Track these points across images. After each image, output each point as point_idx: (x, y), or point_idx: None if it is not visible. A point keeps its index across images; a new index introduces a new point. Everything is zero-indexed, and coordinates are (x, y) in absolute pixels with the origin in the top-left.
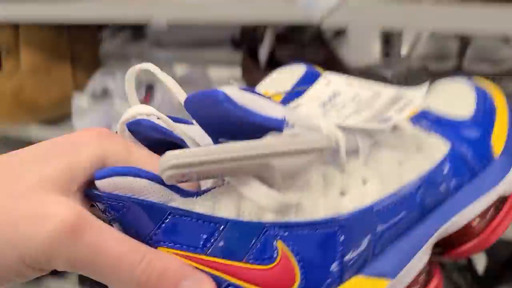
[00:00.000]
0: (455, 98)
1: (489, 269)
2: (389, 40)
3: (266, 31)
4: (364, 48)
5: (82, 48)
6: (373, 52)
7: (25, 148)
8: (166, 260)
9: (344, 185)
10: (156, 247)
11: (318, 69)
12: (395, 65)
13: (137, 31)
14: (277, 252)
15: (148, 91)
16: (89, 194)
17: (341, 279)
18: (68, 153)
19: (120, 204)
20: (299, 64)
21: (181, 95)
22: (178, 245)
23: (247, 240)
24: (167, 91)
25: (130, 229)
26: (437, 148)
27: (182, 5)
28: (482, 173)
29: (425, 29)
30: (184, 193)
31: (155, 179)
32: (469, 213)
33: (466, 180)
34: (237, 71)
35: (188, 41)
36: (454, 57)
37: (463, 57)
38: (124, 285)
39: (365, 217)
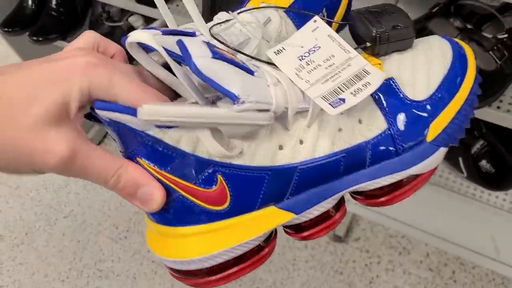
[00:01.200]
0: (426, 70)
1: None
2: None
3: None
4: None
5: None
6: None
7: (18, 73)
8: (130, 172)
9: (284, 141)
10: (136, 157)
11: None
12: None
13: None
14: (217, 182)
15: None
16: (91, 117)
17: (258, 207)
18: (59, 85)
19: (115, 126)
20: None
21: None
22: (149, 161)
23: (198, 169)
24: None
25: (122, 140)
26: (376, 125)
27: None
28: (407, 153)
29: None
30: (158, 126)
31: (135, 114)
32: (381, 182)
33: (390, 155)
34: None
35: None
36: None
37: None
38: (106, 188)
39: (289, 172)
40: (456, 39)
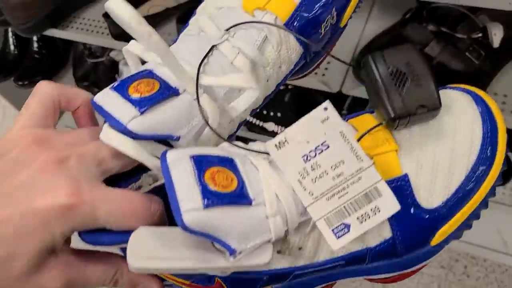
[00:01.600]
0: (447, 169)
1: (504, 41)
2: None
3: None
4: None
5: None
6: None
7: None
8: (126, 274)
9: (283, 247)
10: None
11: None
12: None
13: None
14: (214, 281)
15: None
16: None
17: None
18: (37, 236)
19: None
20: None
21: None
22: None
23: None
24: None
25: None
26: (380, 233)
27: None
28: (407, 255)
29: None
30: None
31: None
32: (378, 276)
33: (390, 257)
34: None
35: None
36: None
37: None
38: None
39: (286, 274)
40: (487, 99)
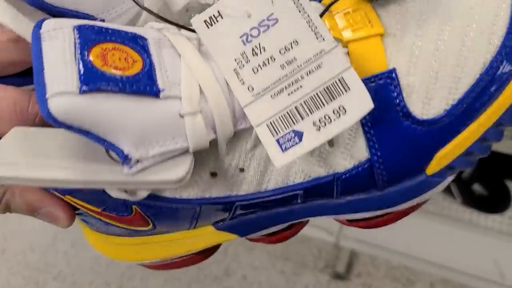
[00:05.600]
0: (455, 61)
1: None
2: None
3: None
4: None
5: None
6: None
7: None
8: (19, 197)
9: (218, 167)
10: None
11: None
12: None
13: None
14: (132, 212)
15: None
16: None
17: (192, 227)
18: None
19: None
20: None
21: None
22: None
23: (105, 198)
24: None
25: None
26: (352, 153)
27: None
28: (392, 187)
29: None
30: None
31: None
32: (356, 216)
33: (368, 190)
34: None
35: None
36: None
37: None
38: None
39: (226, 204)
40: None
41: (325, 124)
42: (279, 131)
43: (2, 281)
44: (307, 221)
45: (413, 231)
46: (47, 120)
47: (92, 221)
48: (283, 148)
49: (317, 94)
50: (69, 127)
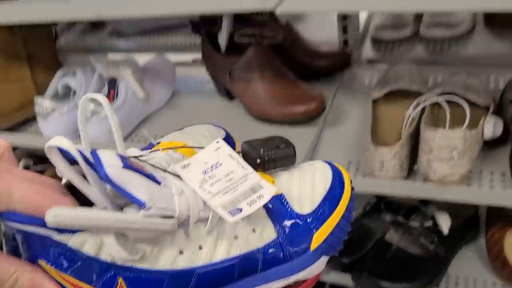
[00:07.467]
0: (310, 187)
1: (453, 229)
2: (346, 15)
3: (224, 15)
4: (321, 24)
5: (37, 46)
6: (331, 27)
7: None
8: (26, 276)
9: (185, 246)
10: (37, 260)
11: (233, 137)
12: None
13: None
14: (117, 285)
15: (111, 87)
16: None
17: None
18: None
19: (19, 233)
20: (219, 128)
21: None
22: (50, 263)
23: (99, 273)
24: (130, 83)
25: (25, 243)
26: (267, 234)
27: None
28: (294, 260)
29: (380, 10)
30: (62, 231)
31: (39, 223)
32: (273, 285)
33: (280, 262)
34: (198, 55)
35: (148, 28)
36: (410, 24)
37: (419, 24)
38: None
39: (188, 274)
40: (335, 164)
41: (254, 203)
42: (228, 208)
43: None
44: None
45: None
46: (106, 181)
47: None
48: (232, 215)
49: (247, 191)
50: (114, 185)
